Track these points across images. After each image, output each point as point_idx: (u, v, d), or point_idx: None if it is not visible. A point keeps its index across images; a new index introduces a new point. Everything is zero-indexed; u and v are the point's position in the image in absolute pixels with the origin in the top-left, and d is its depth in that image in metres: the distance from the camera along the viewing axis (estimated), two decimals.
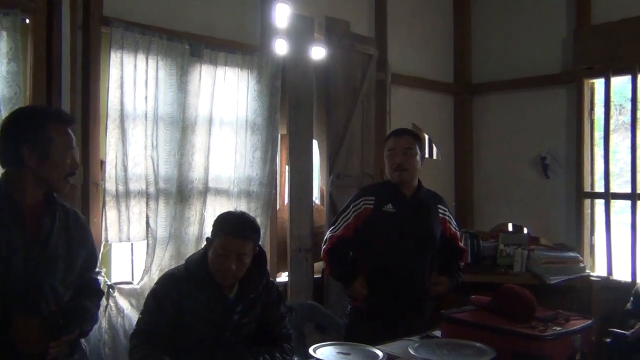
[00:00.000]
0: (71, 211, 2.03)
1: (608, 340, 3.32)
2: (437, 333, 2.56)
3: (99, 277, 2.92)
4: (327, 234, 2.94)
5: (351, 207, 2.85)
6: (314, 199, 3.96)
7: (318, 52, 3.93)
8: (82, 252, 2.01)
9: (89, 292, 2.08)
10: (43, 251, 1.86)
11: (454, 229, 2.97)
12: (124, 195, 3.04)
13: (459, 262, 3.01)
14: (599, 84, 4.32)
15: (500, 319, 2.40)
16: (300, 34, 3.80)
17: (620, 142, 4.28)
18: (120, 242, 3.08)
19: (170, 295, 2.24)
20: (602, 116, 4.20)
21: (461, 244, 3.04)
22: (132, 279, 3.23)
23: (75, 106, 2.94)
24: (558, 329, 2.31)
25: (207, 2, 3.48)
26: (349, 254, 2.93)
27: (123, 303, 3.03)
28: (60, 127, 1.92)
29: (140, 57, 3.07)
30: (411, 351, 2.17)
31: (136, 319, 2.40)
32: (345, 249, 2.90)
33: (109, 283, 3.00)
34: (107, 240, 3.01)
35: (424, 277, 2.86)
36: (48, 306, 1.85)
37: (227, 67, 3.43)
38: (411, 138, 2.85)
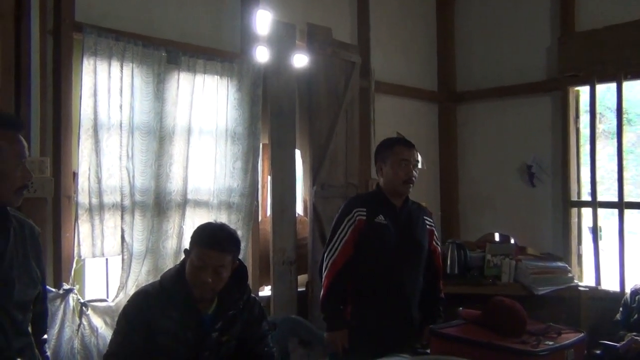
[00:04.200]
0: (27, 224, 1.86)
1: (598, 352, 3.28)
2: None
3: (71, 295, 2.81)
4: (326, 261, 2.77)
5: (345, 221, 2.75)
6: (297, 210, 3.86)
7: (300, 60, 3.85)
8: (37, 270, 1.86)
9: (42, 328, 1.94)
10: None
11: (435, 243, 2.93)
12: (98, 209, 2.92)
13: (437, 291, 2.91)
14: (583, 91, 4.29)
15: (491, 333, 2.35)
16: (281, 41, 3.72)
17: (601, 150, 4.26)
18: (94, 257, 2.96)
19: (142, 313, 2.12)
20: (588, 124, 4.16)
21: (440, 261, 2.96)
22: (107, 296, 3.10)
23: (46, 115, 2.82)
24: (550, 343, 2.26)
25: (184, 7, 3.39)
26: (345, 288, 2.77)
27: (97, 322, 2.89)
28: (8, 134, 1.70)
29: (115, 64, 2.96)
30: None
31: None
32: (345, 280, 2.75)
33: (82, 301, 2.87)
34: (80, 256, 2.88)
35: (415, 288, 2.80)
36: (2, 330, 1.70)
37: (206, 75, 3.34)
38: (416, 150, 2.83)
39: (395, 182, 2.76)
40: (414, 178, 2.77)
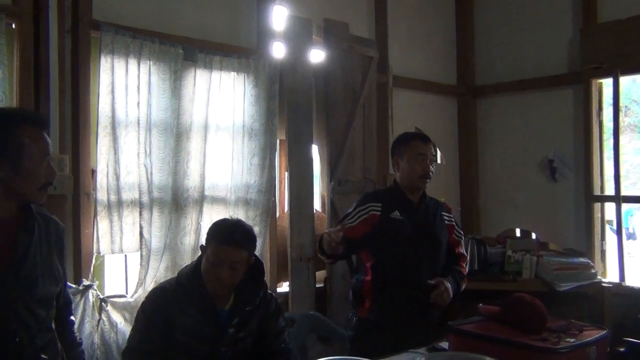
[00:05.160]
0: (52, 221, 1.88)
1: (622, 349, 3.21)
2: (445, 344, 2.47)
3: (91, 291, 2.84)
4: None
5: (357, 210, 2.73)
6: (314, 206, 3.85)
7: (317, 55, 3.84)
8: (60, 267, 1.87)
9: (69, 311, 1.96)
10: (17, 273, 1.70)
11: (456, 237, 2.89)
12: (116, 205, 2.94)
13: (456, 266, 2.85)
14: (607, 84, 4.20)
15: (510, 330, 2.30)
16: (298, 37, 3.70)
17: (626, 144, 4.17)
18: (113, 253, 2.98)
19: (159, 310, 2.14)
20: (611, 117, 4.08)
21: (461, 250, 2.92)
22: (126, 292, 3.12)
23: (65, 113, 2.85)
24: (572, 340, 2.20)
25: (200, 4, 3.39)
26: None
27: (116, 317, 2.92)
28: (33, 132, 1.72)
29: (132, 62, 2.97)
30: None
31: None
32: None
33: (101, 296, 2.89)
34: (99, 252, 2.91)
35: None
36: (25, 327, 1.71)
37: (222, 72, 3.34)
38: (433, 145, 2.82)
39: (411, 176, 2.73)
40: (430, 173, 2.74)
